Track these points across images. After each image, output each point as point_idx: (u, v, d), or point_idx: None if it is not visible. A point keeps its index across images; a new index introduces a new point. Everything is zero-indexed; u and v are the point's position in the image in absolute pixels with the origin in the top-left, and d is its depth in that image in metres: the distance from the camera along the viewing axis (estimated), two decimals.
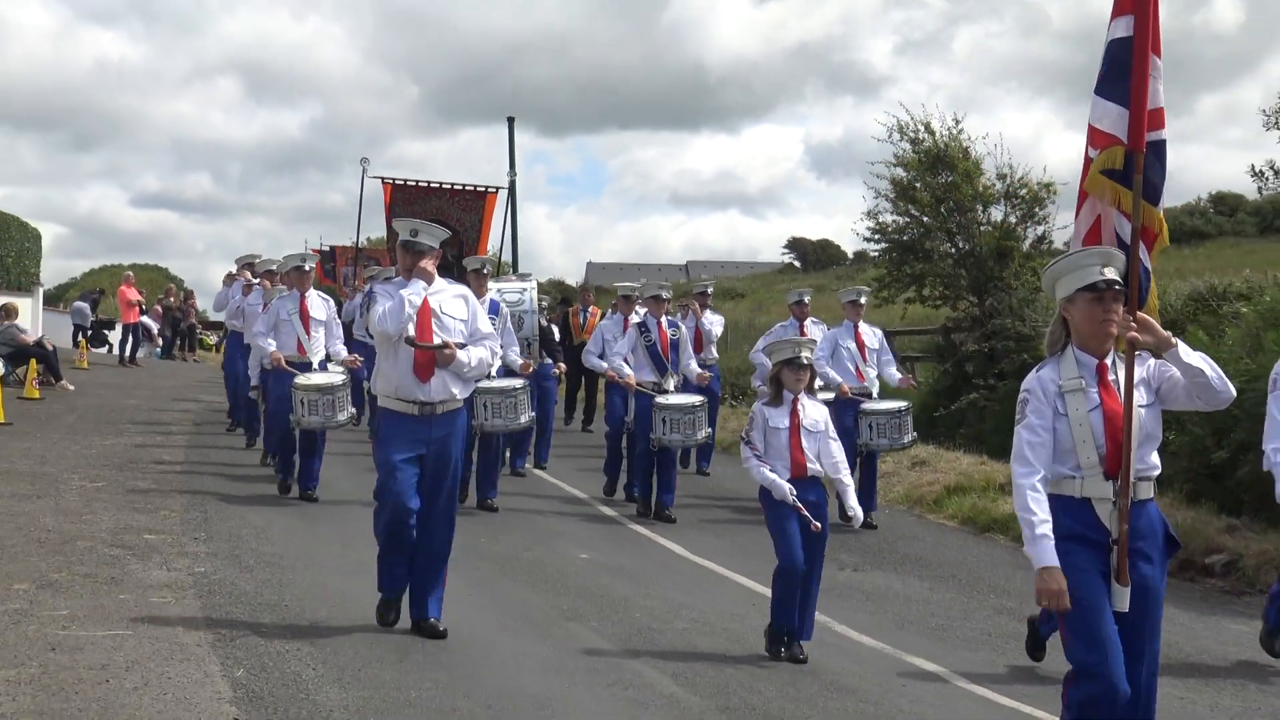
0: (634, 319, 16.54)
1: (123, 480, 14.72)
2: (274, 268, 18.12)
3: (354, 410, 15.21)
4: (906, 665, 9.40)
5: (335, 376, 14.61)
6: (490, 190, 26.36)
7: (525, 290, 17.01)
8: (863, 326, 15.81)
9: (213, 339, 44.25)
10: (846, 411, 14.85)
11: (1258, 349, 16.33)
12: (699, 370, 16.05)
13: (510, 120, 28.28)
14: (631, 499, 15.87)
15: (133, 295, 34.73)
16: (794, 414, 9.58)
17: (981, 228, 25.18)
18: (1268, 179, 16.72)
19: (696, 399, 15.34)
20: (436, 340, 9.06)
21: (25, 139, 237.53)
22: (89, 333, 35.63)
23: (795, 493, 9.36)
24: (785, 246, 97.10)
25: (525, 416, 14.97)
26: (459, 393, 9.26)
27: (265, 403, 16.15)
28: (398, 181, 26.13)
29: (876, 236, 26.61)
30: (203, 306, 44.09)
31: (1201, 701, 8.85)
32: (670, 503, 15.18)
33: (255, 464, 16.81)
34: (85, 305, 37.54)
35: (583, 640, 9.42)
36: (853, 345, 15.57)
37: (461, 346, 9.14)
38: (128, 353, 33.77)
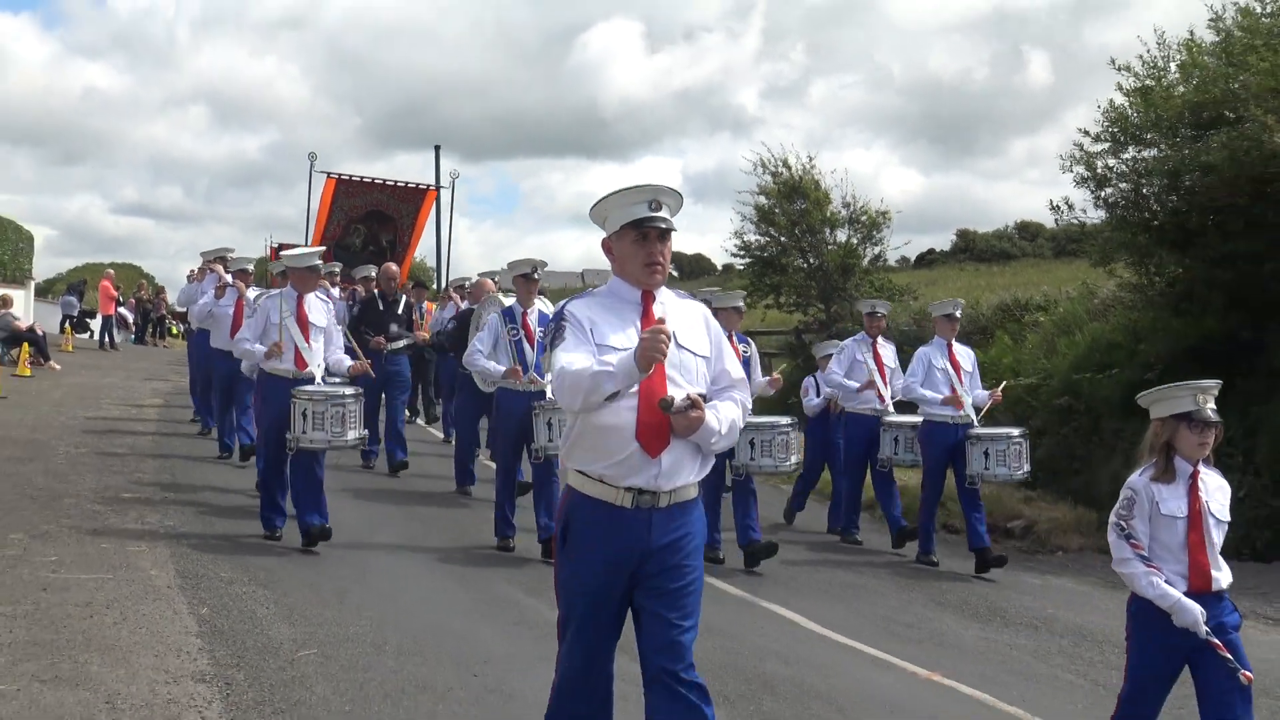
0: None
1: (102, 447, 14.49)
2: (249, 267, 15.33)
3: (365, 432, 10.63)
4: (762, 609, 9.48)
5: (344, 386, 10.35)
6: (430, 188, 25.17)
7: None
8: (956, 346, 12.02)
9: (178, 328, 43.58)
10: (944, 437, 11.67)
11: (1052, 351, 16.77)
12: (764, 380, 11.32)
13: (437, 148, 28.15)
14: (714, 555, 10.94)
15: (111, 290, 34.33)
16: (1194, 495, 5.69)
17: (829, 247, 25.58)
18: (1063, 212, 16.92)
19: (784, 417, 11.45)
20: (675, 393, 4.64)
21: (21, 153, 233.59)
22: (74, 320, 35.15)
23: (1208, 618, 5.53)
24: None
25: None
26: (695, 475, 4.82)
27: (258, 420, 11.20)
28: (342, 176, 24.41)
29: (742, 253, 26.95)
30: (172, 300, 43.33)
31: (1001, 641, 9.02)
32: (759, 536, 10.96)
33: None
34: (73, 297, 37.20)
35: (496, 588, 9.41)
36: (948, 366, 11.79)
37: (705, 400, 4.74)
38: (107, 339, 33.30)
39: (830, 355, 13.65)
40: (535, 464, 10.51)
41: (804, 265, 25.82)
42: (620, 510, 4.67)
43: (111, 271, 38.11)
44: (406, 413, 16.35)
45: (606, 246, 4.89)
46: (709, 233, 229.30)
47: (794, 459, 11.44)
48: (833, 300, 24.87)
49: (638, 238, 4.79)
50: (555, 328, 4.76)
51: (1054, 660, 8.58)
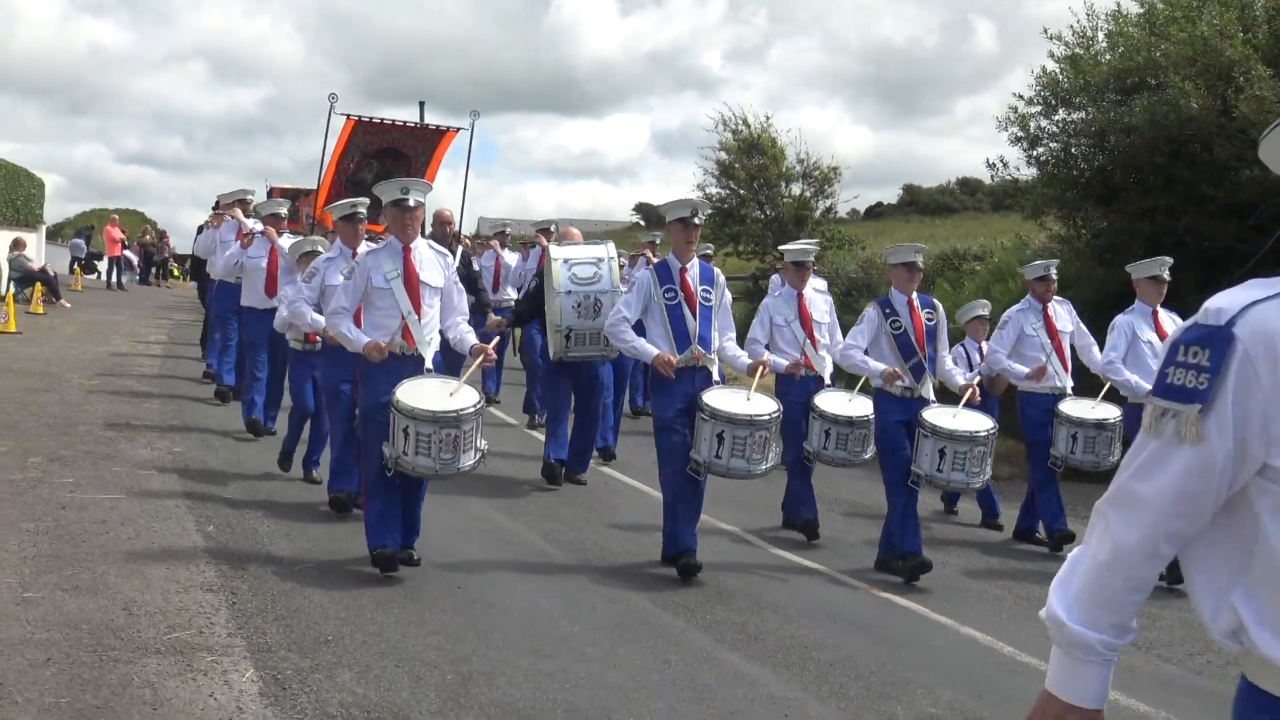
0: (802, 291, 9.54)
1: (112, 379, 14.50)
2: (281, 211, 12.51)
3: (484, 447, 7.20)
4: (723, 530, 9.59)
5: (465, 397, 7.08)
6: (449, 129, 22.36)
7: (602, 261, 9.72)
8: (1053, 306, 9.69)
9: (179, 269, 43.24)
10: (1036, 408, 9.61)
11: (987, 297, 16.90)
12: (954, 369, 8.87)
13: (421, 104, 27.87)
14: (793, 526, 9.50)
15: (117, 234, 34.21)
16: None
17: (784, 199, 25.85)
18: (998, 170, 17.15)
19: (986, 424, 8.42)
20: None
21: (30, 104, 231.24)
22: (83, 262, 34.99)
23: None
24: (634, 209, 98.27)
25: (769, 461, 7.81)
26: None
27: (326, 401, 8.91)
28: (362, 118, 21.52)
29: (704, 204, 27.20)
30: (174, 244, 42.91)
31: (935, 559, 9.15)
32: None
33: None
34: (81, 240, 36.96)
35: (475, 509, 9.47)
36: (1042, 331, 9.56)
37: None
38: (113, 279, 33.20)
39: (979, 318, 10.97)
40: (691, 473, 7.81)
41: (761, 216, 26.03)
42: None
43: (116, 216, 37.84)
44: None
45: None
46: (673, 184, 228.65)
47: (987, 474, 8.58)
48: None
49: None
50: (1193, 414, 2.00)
51: (983, 577, 8.77)
